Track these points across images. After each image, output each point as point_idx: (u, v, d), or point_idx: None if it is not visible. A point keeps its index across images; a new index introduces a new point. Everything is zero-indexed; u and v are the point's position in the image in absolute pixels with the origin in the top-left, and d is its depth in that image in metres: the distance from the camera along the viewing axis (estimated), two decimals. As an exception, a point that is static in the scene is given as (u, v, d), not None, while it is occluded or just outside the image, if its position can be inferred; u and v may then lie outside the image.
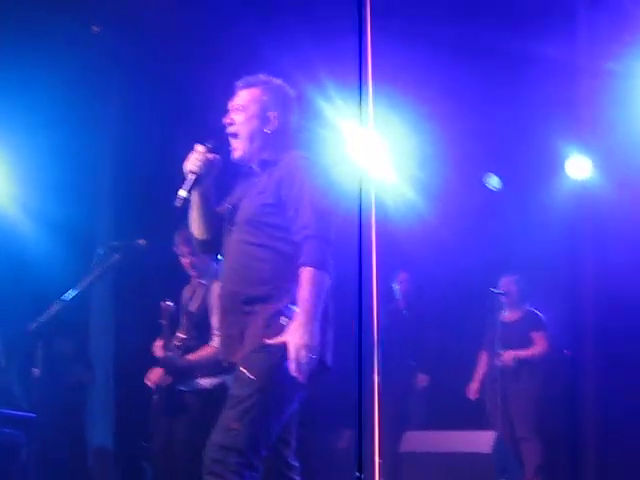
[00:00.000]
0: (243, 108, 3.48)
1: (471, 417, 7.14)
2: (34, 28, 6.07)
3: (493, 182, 7.63)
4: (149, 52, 6.64)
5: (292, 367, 3.13)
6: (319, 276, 3.19)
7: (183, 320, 5.15)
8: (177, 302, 5.25)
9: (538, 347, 6.95)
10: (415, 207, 7.05)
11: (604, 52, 6.19)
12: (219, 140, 3.49)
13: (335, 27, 5.62)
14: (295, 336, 3.14)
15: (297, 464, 3.39)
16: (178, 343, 5.06)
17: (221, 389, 4.87)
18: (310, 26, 6.15)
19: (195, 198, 3.48)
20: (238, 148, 3.48)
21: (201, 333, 5.06)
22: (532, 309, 7.12)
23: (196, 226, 3.55)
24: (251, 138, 3.47)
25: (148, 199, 6.90)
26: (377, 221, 3.39)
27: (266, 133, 3.46)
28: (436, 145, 6.89)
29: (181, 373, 5.03)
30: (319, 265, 3.20)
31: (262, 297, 3.29)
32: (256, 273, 3.31)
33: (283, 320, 3.23)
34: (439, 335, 7.48)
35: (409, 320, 7.46)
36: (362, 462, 2.07)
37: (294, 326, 3.17)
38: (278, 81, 3.55)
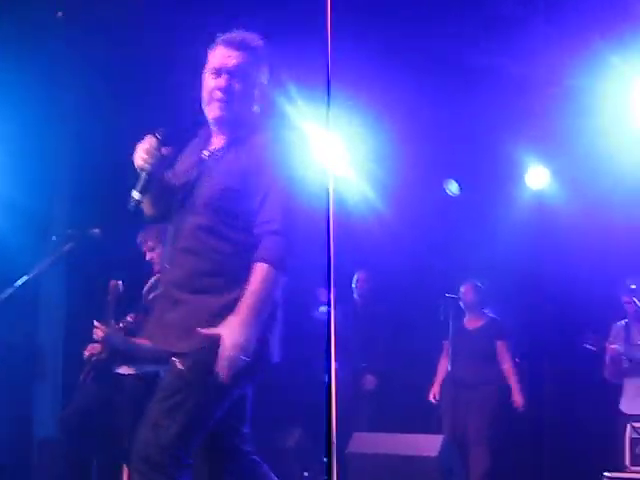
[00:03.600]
0: (240, 74, 3.11)
1: (422, 420, 7.20)
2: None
3: (452, 188, 7.69)
4: (111, 40, 6.58)
5: (220, 364, 2.90)
6: (273, 274, 2.96)
7: (140, 306, 5.16)
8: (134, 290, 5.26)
9: (506, 362, 6.92)
10: (374, 206, 7.07)
11: (561, 64, 6.26)
12: (170, 128, 3.17)
13: (297, 31, 5.63)
14: (232, 332, 2.90)
15: (250, 448, 3.21)
16: (122, 325, 5.04)
17: (157, 376, 4.92)
18: (273, 30, 6.13)
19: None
20: (223, 111, 3.11)
21: None
22: (494, 316, 7.13)
23: (146, 207, 3.25)
24: (241, 109, 3.12)
25: (106, 188, 6.86)
26: (336, 220, 3.35)
27: (254, 110, 3.15)
28: (396, 147, 6.92)
29: (117, 351, 4.98)
30: (276, 263, 2.96)
31: (211, 288, 3.03)
32: (208, 263, 3.04)
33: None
34: (392, 337, 7.49)
35: (364, 320, 7.45)
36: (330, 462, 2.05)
37: (233, 321, 2.92)
38: (261, 42, 3.21)
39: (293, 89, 6.17)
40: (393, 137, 6.87)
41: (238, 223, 3.05)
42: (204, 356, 2.95)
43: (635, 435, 5.77)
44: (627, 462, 5.73)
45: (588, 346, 6.23)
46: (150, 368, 5.02)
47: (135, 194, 3.09)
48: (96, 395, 5.06)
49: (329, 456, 2.10)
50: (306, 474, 7.13)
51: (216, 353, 2.92)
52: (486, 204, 7.53)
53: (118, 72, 6.75)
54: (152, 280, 5.27)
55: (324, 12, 2.56)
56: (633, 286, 6.32)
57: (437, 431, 6.82)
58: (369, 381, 7.39)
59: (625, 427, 5.94)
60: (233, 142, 3.14)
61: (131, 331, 5.04)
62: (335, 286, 3.30)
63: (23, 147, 6.51)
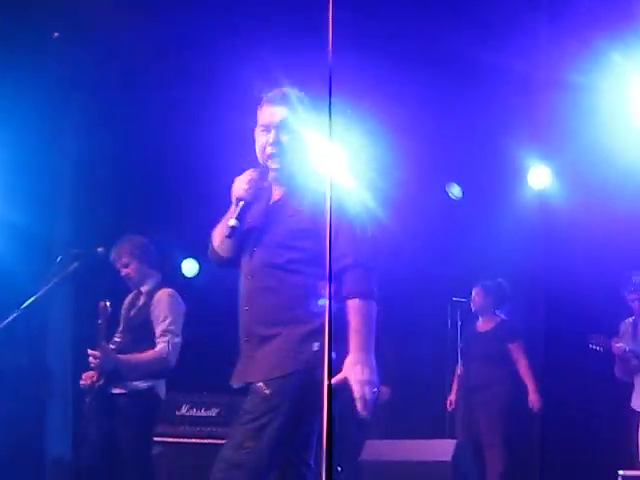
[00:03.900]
0: (287, 127, 3.34)
1: (435, 425, 7.19)
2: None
3: (455, 191, 7.67)
4: (107, 54, 6.59)
5: (359, 405, 3.05)
6: (366, 306, 3.15)
7: (121, 325, 5.24)
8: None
9: (522, 363, 6.91)
10: (376, 212, 7.04)
11: (563, 62, 6.24)
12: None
13: (299, 37, 5.63)
14: (356, 373, 3.06)
15: None
16: (113, 346, 5.10)
17: (150, 392, 5.11)
18: (274, 36, 6.13)
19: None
20: (278, 164, 3.35)
21: (137, 338, 5.14)
22: (505, 318, 7.11)
23: (224, 247, 3.41)
24: (293, 159, 3.36)
25: (107, 205, 6.87)
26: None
27: (300, 154, 3.38)
28: (397, 152, 6.90)
29: (113, 373, 5.03)
30: (365, 295, 3.15)
31: (291, 320, 3.21)
32: (286, 297, 3.23)
33: (315, 346, 3.15)
34: (402, 344, 7.47)
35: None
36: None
37: (352, 362, 3.09)
38: (302, 94, 3.46)
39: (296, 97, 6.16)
40: (394, 142, 6.85)
41: (311, 259, 3.20)
42: (291, 382, 3.15)
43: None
44: (640, 459, 5.71)
45: (593, 346, 6.22)
46: (145, 385, 5.10)
47: (232, 221, 3.26)
48: (101, 423, 5.10)
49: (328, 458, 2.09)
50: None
51: (306, 383, 3.09)
52: (489, 206, 7.51)
53: (117, 89, 6.76)
54: (130, 297, 5.34)
55: (326, 19, 2.59)
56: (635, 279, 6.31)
57: (450, 436, 6.81)
58: (383, 392, 7.35)
59: (638, 425, 5.91)
60: (294, 190, 3.36)
61: (121, 350, 5.10)
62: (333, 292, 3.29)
63: (24, 166, 6.52)
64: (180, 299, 5.24)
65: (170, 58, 6.47)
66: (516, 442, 6.95)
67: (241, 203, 3.27)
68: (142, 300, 5.24)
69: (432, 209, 7.46)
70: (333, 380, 2.97)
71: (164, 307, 5.14)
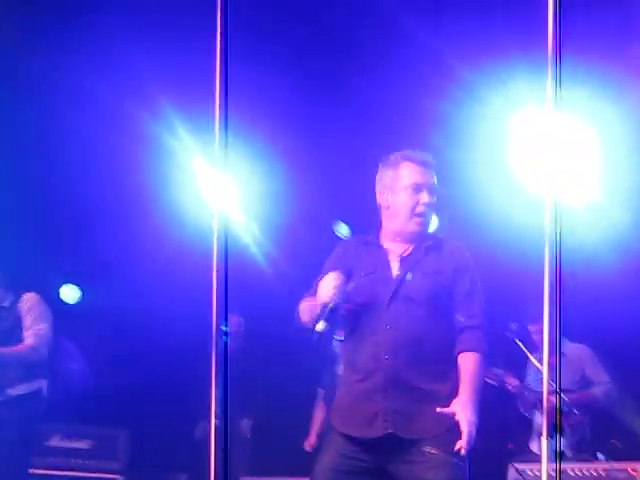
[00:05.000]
0: (434, 189, 3.63)
1: (305, 463, 7.10)
2: None
3: (342, 230, 7.69)
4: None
5: (464, 441, 3.30)
6: (482, 362, 3.52)
7: None
8: None
9: None
10: (264, 247, 7.02)
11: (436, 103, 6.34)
12: None
13: (188, 68, 5.60)
14: (467, 412, 3.35)
15: None
16: None
17: (37, 395, 5.28)
18: (162, 66, 6.09)
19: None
20: (424, 225, 3.61)
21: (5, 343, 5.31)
22: None
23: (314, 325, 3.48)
24: (432, 219, 3.66)
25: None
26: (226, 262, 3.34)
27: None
28: (288, 186, 6.90)
29: None
30: (483, 352, 3.53)
31: (440, 375, 3.49)
32: (434, 350, 3.49)
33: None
34: (272, 378, 7.37)
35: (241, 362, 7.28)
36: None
37: (464, 401, 3.38)
38: None
39: (182, 127, 6.12)
40: (284, 176, 6.86)
41: (444, 316, 3.52)
42: (451, 437, 3.36)
43: (517, 476, 5.75)
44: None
45: (489, 380, 6.31)
46: (23, 387, 5.09)
47: (320, 326, 3.35)
48: None
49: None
50: None
51: (454, 433, 3.34)
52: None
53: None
54: None
55: (215, 47, 2.58)
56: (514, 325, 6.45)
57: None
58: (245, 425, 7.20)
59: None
60: (430, 248, 3.61)
61: None
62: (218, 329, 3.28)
63: None
64: (44, 302, 5.55)
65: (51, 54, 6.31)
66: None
67: (328, 306, 3.38)
68: (5, 312, 5.40)
69: (320, 247, 7.43)
70: (442, 410, 3.37)
71: (31, 305, 5.44)
